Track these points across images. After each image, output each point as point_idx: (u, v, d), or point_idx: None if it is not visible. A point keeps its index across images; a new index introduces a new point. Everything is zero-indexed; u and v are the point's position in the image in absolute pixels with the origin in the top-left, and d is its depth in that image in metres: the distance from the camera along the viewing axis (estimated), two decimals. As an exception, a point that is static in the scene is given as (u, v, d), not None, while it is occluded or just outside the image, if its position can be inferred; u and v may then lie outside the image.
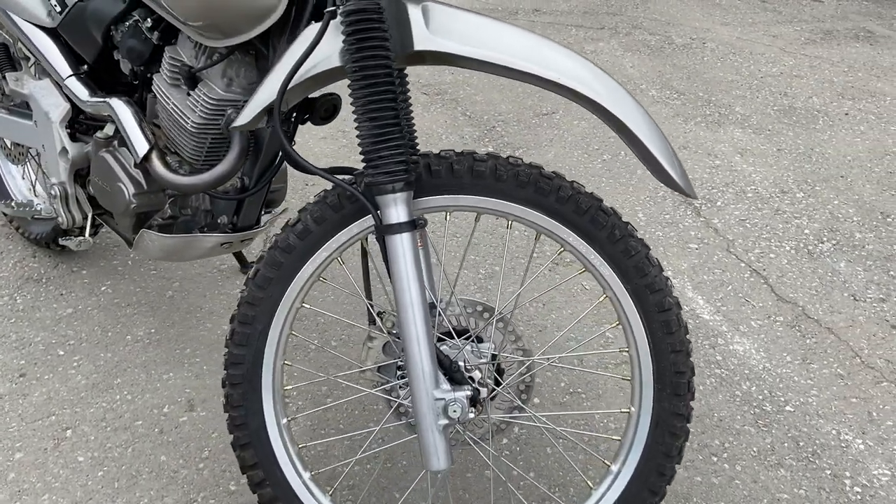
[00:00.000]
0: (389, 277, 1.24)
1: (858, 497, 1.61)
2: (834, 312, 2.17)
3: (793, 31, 4.72)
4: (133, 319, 2.04)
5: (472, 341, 1.33)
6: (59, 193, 1.72)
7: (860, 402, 1.86)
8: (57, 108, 1.70)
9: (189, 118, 1.44)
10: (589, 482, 1.37)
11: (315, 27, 1.21)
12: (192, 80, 1.43)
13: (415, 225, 1.20)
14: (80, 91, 1.62)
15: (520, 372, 1.33)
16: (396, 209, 1.19)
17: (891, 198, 2.80)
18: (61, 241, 1.75)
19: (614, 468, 1.32)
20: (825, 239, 2.52)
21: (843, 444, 1.73)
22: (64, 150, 1.69)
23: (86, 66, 1.66)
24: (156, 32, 1.48)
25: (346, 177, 1.28)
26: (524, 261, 2.34)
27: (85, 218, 1.75)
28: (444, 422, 1.22)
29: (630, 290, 1.26)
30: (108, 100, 1.54)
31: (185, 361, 1.90)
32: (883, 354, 2.02)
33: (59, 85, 1.71)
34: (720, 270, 2.33)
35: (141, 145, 1.46)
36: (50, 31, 1.67)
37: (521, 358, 1.34)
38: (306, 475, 1.36)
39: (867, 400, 1.87)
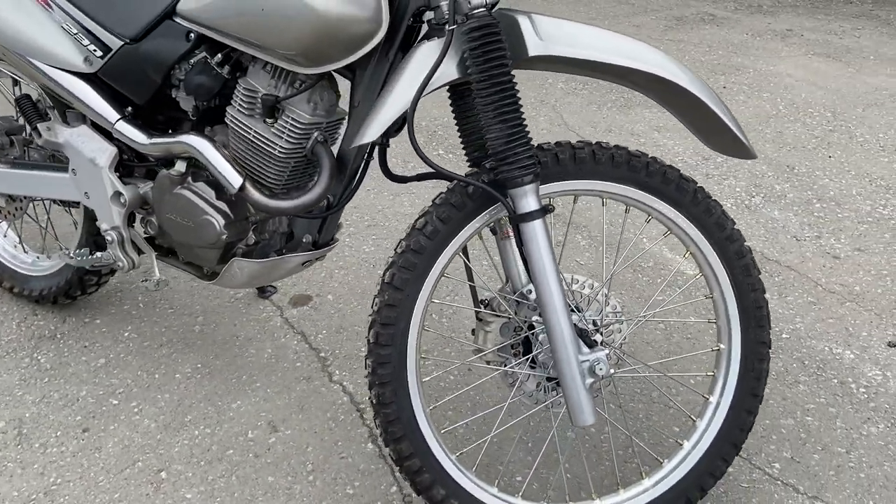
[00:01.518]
0: (524, 260, 1.39)
1: (865, 395, 1.94)
2: (786, 252, 2.53)
3: (651, 21, 5.23)
4: (173, 358, 2.03)
5: (578, 310, 1.50)
6: (115, 239, 1.70)
7: (836, 321, 2.21)
8: (103, 154, 1.68)
9: (277, 145, 1.51)
10: (691, 416, 1.58)
11: (429, 45, 1.34)
12: (270, 108, 1.49)
13: (546, 210, 1.36)
14: (135, 134, 1.62)
15: (624, 331, 1.52)
16: (529, 199, 1.34)
17: (789, 153, 3.25)
18: (143, 284, 1.73)
19: (713, 399, 1.54)
20: (754, 194, 2.91)
21: (837, 357, 2.06)
22: (117, 195, 1.68)
23: (130, 108, 1.67)
24: (226, 66, 1.54)
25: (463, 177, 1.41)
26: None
27: (141, 254, 1.74)
28: (591, 380, 1.39)
29: (713, 243, 1.48)
30: (181, 139, 1.56)
31: (246, 388, 1.93)
32: (836, 280, 2.39)
33: (101, 130, 1.70)
34: (684, 232, 2.64)
35: (234, 177, 1.51)
36: (86, 77, 1.66)
37: (630, 318, 1.53)
38: (453, 457, 1.48)
39: (840, 319, 2.22)
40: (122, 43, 1.60)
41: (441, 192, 1.44)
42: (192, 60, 1.55)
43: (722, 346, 1.53)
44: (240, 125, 1.53)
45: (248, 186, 1.51)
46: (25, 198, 2.04)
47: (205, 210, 1.57)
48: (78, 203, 1.84)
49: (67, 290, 2.07)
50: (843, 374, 2.01)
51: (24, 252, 2.20)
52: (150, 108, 1.66)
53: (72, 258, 1.76)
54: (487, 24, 1.29)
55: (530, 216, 1.34)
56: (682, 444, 1.55)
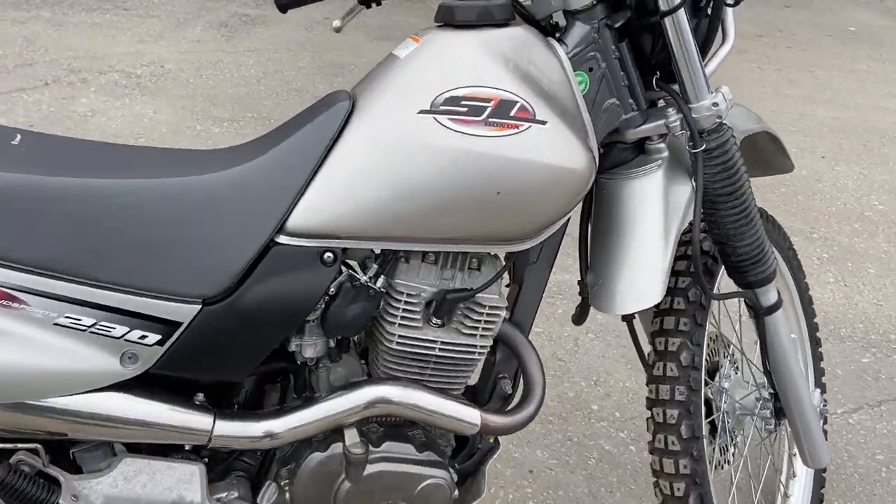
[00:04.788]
0: (764, 350, 1.37)
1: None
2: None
3: (198, 32, 4.81)
4: None
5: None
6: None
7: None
8: (193, 482, 1.04)
9: (476, 347, 1.15)
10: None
11: (653, 175, 1.20)
12: (442, 305, 1.13)
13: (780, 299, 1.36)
14: (248, 427, 1.06)
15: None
16: (771, 292, 1.33)
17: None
18: None
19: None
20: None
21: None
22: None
23: (200, 394, 1.06)
24: (382, 277, 1.09)
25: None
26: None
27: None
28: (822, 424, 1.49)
29: (782, 255, 1.61)
30: (366, 395, 1.09)
31: None
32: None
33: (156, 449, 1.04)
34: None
35: (472, 413, 1.13)
36: (124, 385, 0.98)
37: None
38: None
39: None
40: (199, 307, 0.98)
41: (674, 317, 1.30)
42: (332, 288, 1.05)
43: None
44: (413, 343, 1.11)
45: (485, 415, 1.14)
46: None
47: (424, 474, 1.13)
48: None
49: None
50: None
51: None
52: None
53: None
54: (731, 137, 1.20)
55: (774, 308, 1.34)
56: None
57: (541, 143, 1.03)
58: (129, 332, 0.96)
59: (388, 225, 1.03)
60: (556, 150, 1.04)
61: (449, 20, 1.07)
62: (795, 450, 1.69)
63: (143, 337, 0.96)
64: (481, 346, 1.15)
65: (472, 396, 1.24)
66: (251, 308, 1.00)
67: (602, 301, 1.20)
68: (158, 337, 0.97)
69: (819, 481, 1.71)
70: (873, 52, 5.23)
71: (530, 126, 1.03)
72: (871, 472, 1.92)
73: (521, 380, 1.24)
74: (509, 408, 1.20)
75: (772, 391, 1.48)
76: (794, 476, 1.71)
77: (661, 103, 1.23)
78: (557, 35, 1.16)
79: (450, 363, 1.15)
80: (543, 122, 1.03)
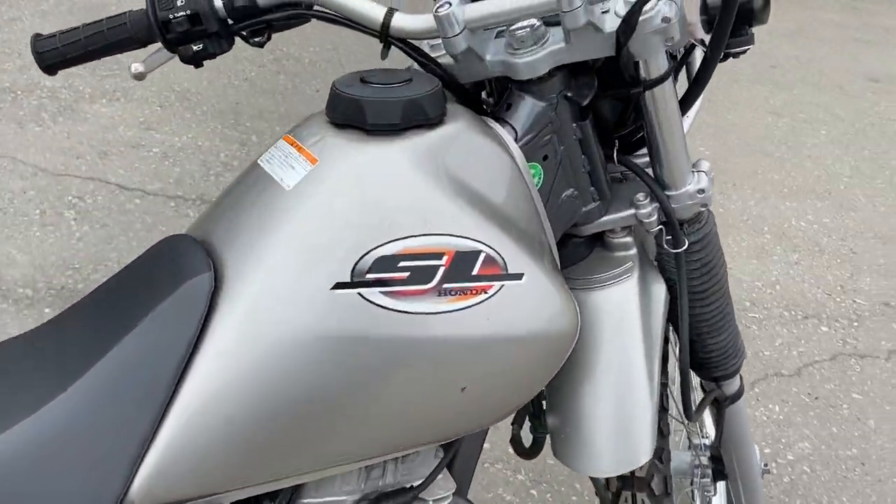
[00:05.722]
0: (719, 436, 1.19)
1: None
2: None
3: None
4: None
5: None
6: None
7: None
8: None
9: None
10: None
11: (621, 287, 0.91)
12: None
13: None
14: None
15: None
16: (736, 380, 1.14)
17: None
18: None
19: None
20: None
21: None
22: None
23: None
24: None
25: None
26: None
27: None
28: (762, 485, 1.35)
29: None
30: None
31: None
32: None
33: None
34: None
35: None
36: None
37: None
38: None
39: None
40: None
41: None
42: None
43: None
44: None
45: None
46: None
47: None
48: None
49: None
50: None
51: None
52: None
53: None
54: (713, 226, 0.94)
55: (738, 395, 1.16)
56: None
57: (518, 307, 0.70)
58: None
59: (292, 460, 0.67)
60: (537, 309, 0.72)
61: (357, 122, 0.69)
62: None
63: None
64: (433, 550, 0.84)
65: None
66: None
67: (572, 458, 0.91)
68: None
69: None
70: None
71: (502, 286, 0.69)
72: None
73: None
74: None
75: (710, 455, 1.33)
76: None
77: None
78: (490, 103, 0.82)
79: None
80: (518, 277, 0.70)
